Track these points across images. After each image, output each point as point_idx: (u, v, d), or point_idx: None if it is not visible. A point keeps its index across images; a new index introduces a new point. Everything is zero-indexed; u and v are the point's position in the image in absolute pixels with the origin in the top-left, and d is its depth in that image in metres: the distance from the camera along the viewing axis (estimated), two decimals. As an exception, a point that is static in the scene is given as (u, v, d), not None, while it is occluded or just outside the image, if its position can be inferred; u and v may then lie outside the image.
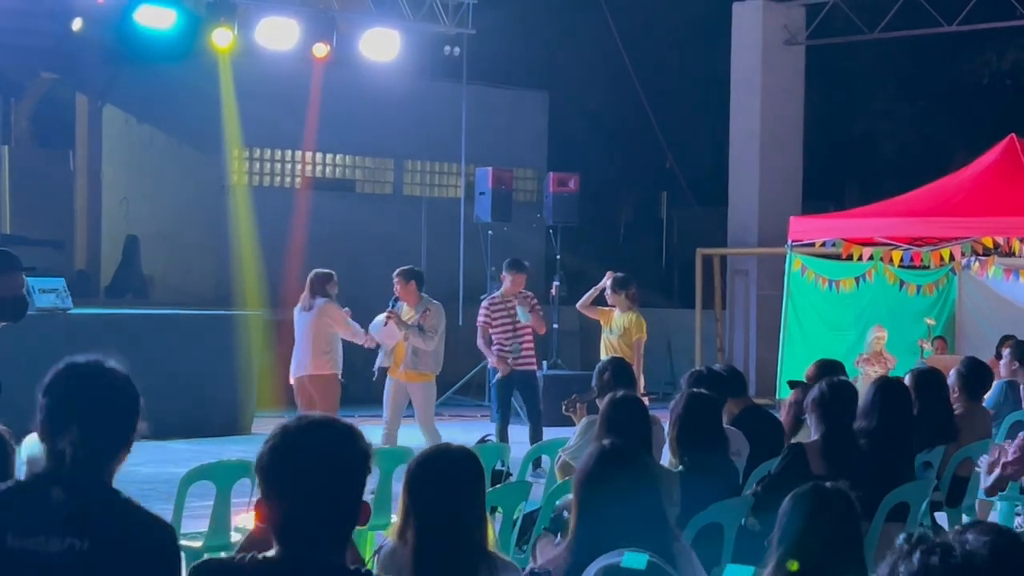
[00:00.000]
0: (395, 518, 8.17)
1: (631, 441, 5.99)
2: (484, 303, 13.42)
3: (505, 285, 13.23)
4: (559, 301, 18.37)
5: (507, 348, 13.05)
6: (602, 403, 6.57)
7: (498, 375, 13.14)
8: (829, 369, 8.40)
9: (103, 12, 16.68)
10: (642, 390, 12.97)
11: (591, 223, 24.81)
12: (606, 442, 4.69)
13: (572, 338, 20.15)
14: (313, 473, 3.08)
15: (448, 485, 4.35)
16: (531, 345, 13.20)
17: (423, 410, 12.41)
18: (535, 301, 13.31)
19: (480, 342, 13.21)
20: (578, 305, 13.65)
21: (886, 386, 7.33)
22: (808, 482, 4.38)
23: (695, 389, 6.74)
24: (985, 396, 9.78)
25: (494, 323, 13.08)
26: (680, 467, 6.32)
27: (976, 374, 9.20)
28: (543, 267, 21.70)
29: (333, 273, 12.44)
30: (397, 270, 12.60)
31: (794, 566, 3.40)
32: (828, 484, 4.19)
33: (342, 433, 3.15)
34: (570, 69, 26.35)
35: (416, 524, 4.33)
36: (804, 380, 8.62)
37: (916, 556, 2.20)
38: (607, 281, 13.27)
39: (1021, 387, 10.85)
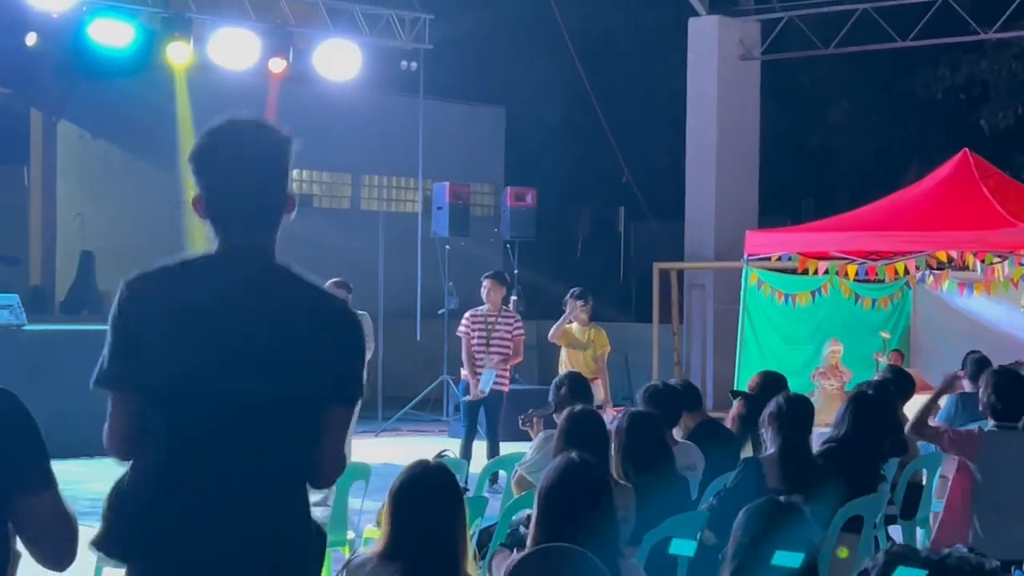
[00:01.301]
0: (351, 534, 8.17)
1: (590, 455, 6.03)
2: (467, 314, 13.44)
3: (484, 294, 13.22)
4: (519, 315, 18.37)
5: (478, 362, 13.10)
6: (560, 418, 6.58)
7: (468, 397, 13.12)
8: (772, 381, 8.48)
9: (58, 26, 16.58)
10: (608, 402, 13.03)
11: (548, 237, 24.86)
12: (574, 455, 4.69)
13: (529, 352, 20.16)
14: (240, 160, 3.38)
15: (441, 506, 4.33)
16: (503, 364, 13.18)
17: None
18: (514, 340, 13.23)
19: (464, 355, 13.22)
20: (551, 337, 13.63)
21: (860, 398, 7.47)
22: (764, 496, 4.41)
23: (636, 408, 6.79)
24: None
25: (472, 335, 13.12)
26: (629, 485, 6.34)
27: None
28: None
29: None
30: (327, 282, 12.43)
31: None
32: (782, 498, 4.21)
33: (264, 126, 3.49)
34: (527, 84, 26.42)
35: (408, 547, 4.25)
36: (747, 391, 8.69)
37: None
38: (568, 299, 13.37)
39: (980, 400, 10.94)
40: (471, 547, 4.44)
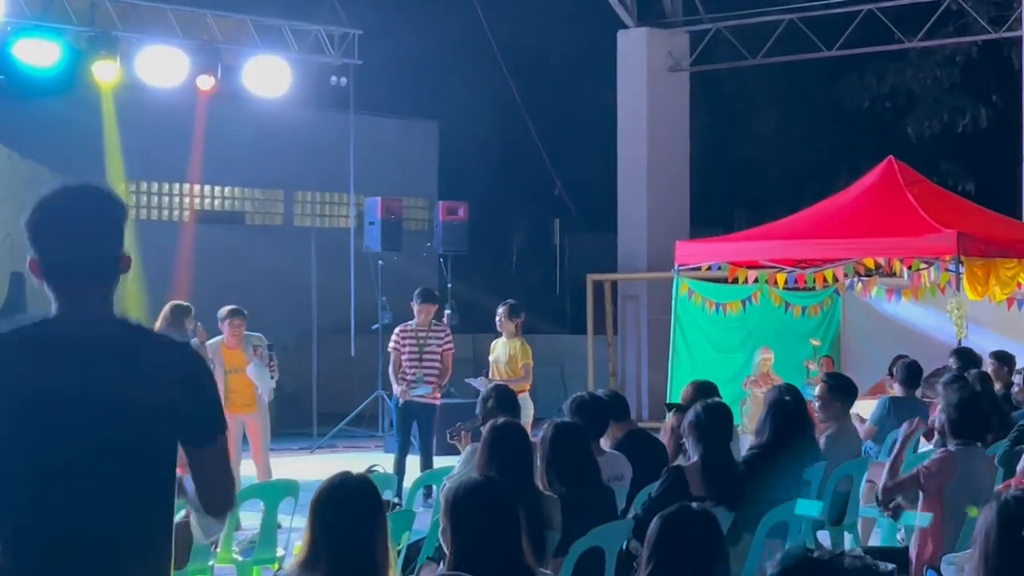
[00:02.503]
0: (281, 551, 8.14)
1: (513, 466, 6.06)
2: (397, 330, 13.48)
3: (416, 315, 13.28)
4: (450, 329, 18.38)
5: (410, 377, 13.11)
6: (484, 430, 6.61)
7: (399, 401, 13.18)
8: (704, 390, 8.52)
9: (-18, 47, 16.45)
10: (531, 416, 13.09)
11: (483, 251, 24.88)
12: (476, 476, 4.74)
13: (464, 366, 20.15)
14: (72, 228, 3.47)
15: (361, 515, 4.34)
16: (433, 377, 13.22)
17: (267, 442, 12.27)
18: (445, 354, 13.28)
19: (391, 368, 13.26)
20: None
21: (778, 404, 7.52)
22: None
23: (561, 419, 6.82)
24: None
25: (402, 351, 13.14)
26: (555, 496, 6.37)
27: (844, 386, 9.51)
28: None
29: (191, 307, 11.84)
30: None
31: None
32: (694, 504, 4.25)
33: (98, 190, 3.56)
34: (459, 99, 26.44)
35: (328, 559, 4.26)
36: (681, 402, 8.72)
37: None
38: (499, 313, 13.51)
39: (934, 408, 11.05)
40: (394, 558, 4.45)
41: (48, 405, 3.40)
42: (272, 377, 12.12)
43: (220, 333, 12.11)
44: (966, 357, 11.96)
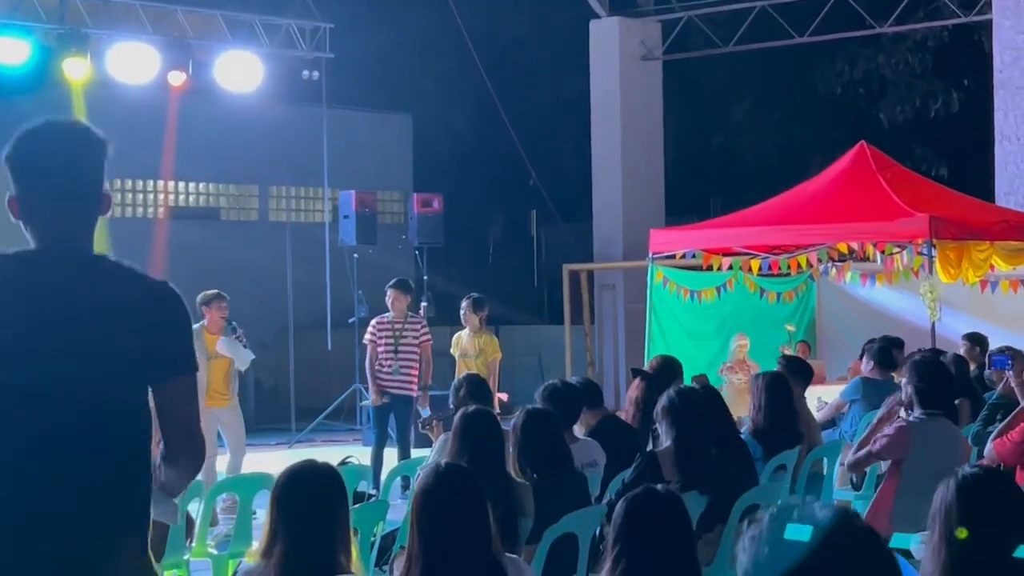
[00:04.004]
0: (256, 544, 8.14)
1: (485, 453, 6.07)
2: (373, 322, 13.47)
3: (389, 305, 13.27)
4: (427, 321, 18.39)
5: (387, 369, 13.10)
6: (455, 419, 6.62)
7: (365, 402, 13.21)
8: (670, 365, 8.64)
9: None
10: (499, 407, 13.12)
11: (460, 243, 24.88)
12: (442, 462, 4.75)
13: (441, 358, 20.14)
14: (54, 158, 3.42)
15: (319, 499, 4.37)
16: (410, 369, 13.22)
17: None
18: (422, 346, 13.28)
19: (368, 362, 13.27)
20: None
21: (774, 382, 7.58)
22: (659, 488, 4.45)
23: (532, 406, 6.83)
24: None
25: (379, 343, 13.14)
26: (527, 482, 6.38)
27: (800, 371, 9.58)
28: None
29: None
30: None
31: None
32: (660, 487, 4.26)
33: (80, 126, 3.52)
34: (433, 91, 26.44)
35: (284, 540, 4.32)
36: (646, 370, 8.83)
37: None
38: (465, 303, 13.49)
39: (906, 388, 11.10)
40: (355, 544, 4.46)
41: (25, 342, 3.33)
42: (244, 347, 12.09)
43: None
44: (975, 340, 12.29)
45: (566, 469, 6.61)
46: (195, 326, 11.98)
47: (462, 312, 13.59)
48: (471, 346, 13.47)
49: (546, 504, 6.17)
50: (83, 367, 3.36)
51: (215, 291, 12.20)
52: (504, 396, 13.14)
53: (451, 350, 13.77)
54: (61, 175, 3.46)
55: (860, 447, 7.62)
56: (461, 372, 12.93)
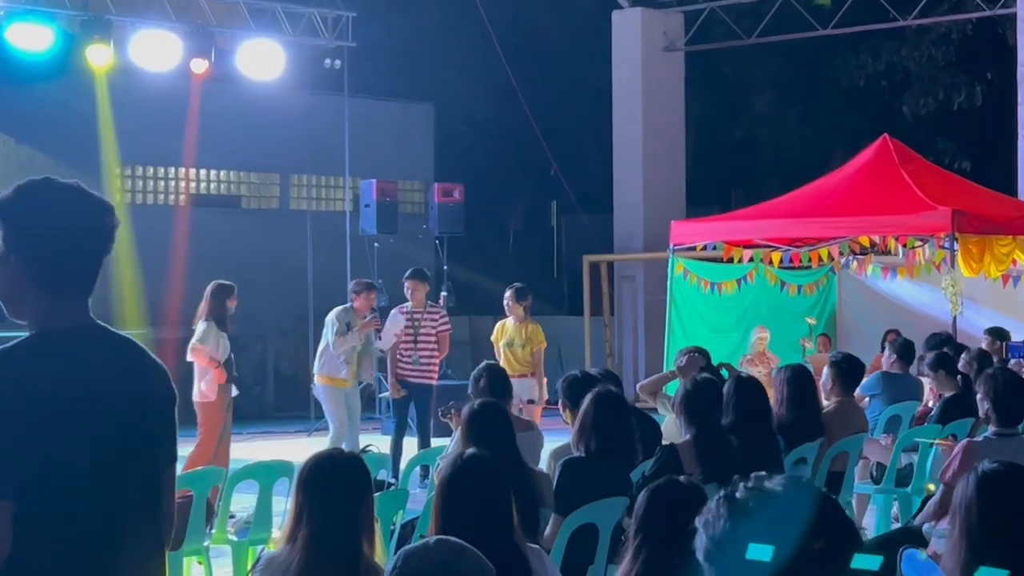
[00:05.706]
0: (276, 532, 8.16)
1: (495, 445, 6.06)
2: (392, 312, 13.48)
3: (408, 295, 13.30)
4: (447, 311, 18.40)
5: (406, 359, 13.12)
6: (464, 411, 6.59)
7: (385, 394, 13.25)
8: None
9: (-26, 32, 16.41)
10: (543, 399, 13.06)
11: (481, 233, 24.88)
12: (464, 451, 4.75)
13: (462, 348, 20.18)
14: (58, 221, 3.29)
15: (345, 485, 4.40)
16: (430, 358, 13.23)
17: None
18: (440, 335, 13.35)
19: (388, 352, 13.35)
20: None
21: (740, 383, 7.49)
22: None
23: (603, 388, 6.73)
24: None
25: (400, 333, 13.15)
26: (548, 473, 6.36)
27: (851, 368, 9.34)
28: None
29: (234, 286, 11.92)
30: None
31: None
32: (683, 478, 4.26)
33: (80, 192, 3.37)
34: (455, 81, 26.41)
35: (309, 525, 4.32)
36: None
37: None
38: (508, 293, 13.40)
39: (927, 383, 10.95)
40: (379, 531, 4.47)
41: (78, 407, 3.20)
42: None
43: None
44: (997, 334, 12.19)
45: (628, 452, 6.56)
46: (346, 306, 12.78)
47: (505, 302, 13.38)
48: (517, 335, 13.24)
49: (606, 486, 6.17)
50: (124, 448, 3.28)
51: (368, 281, 13.18)
52: (544, 392, 13.09)
53: (492, 338, 13.60)
54: (74, 243, 3.35)
55: (925, 509, 7.18)
56: (507, 361, 12.79)
